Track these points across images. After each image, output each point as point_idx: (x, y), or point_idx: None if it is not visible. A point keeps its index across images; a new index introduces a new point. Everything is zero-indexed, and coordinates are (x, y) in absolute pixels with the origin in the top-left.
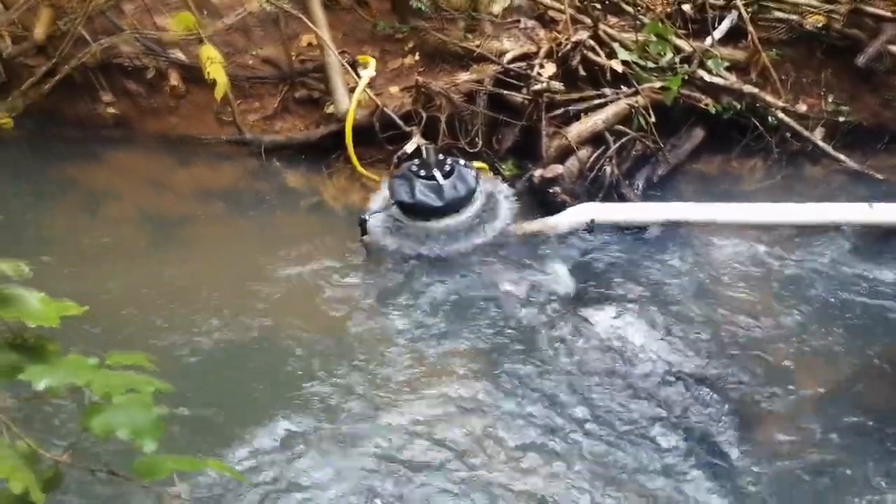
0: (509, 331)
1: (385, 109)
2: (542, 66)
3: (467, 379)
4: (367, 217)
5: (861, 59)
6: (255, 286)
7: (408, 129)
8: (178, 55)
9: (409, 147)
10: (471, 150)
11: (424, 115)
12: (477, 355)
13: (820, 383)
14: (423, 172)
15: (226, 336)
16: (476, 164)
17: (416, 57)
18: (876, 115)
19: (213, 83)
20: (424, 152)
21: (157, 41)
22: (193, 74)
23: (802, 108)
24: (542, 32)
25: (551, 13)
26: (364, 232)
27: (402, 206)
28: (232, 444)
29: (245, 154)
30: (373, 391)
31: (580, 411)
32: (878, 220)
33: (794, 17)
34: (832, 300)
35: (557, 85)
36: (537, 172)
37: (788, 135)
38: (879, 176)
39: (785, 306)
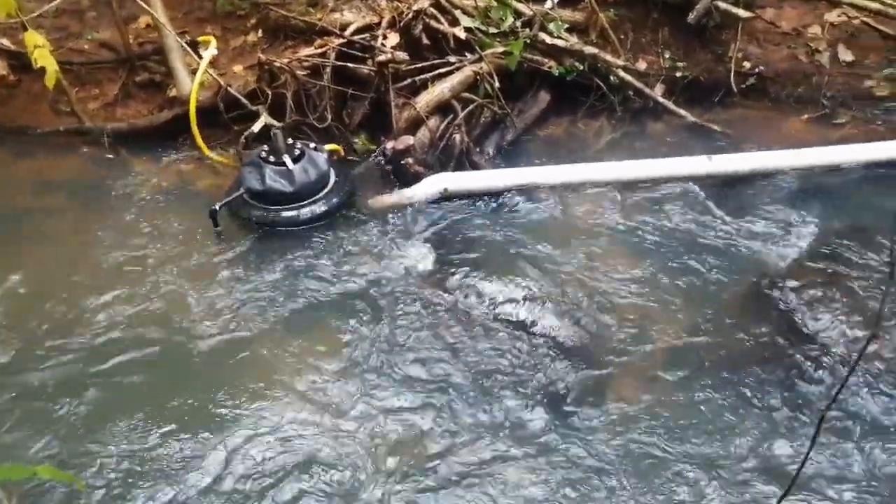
0: (366, 305)
1: (229, 89)
2: (385, 37)
3: (323, 358)
4: (217, 208)
5: (692, 17)
6: (101, 279)
7: (254, 107)
8: (5, 43)
9: (257, 126)
10: (320, 126)
11: (270, 92)
12: (332, 332)
13: (674, 335)
14: (272, 158)
15: (70, 335)
16: (329, 146)
17: (259, 34)
18: (710, 70)
19: (43, 71)
20: (273, 137)
21: None
22: (23, 63)
23: (642, 66)
24: (383, 2)
25: None
26: (216, 224)
27: (252, 193)
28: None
29: (87, 143)
30: (225, 377)
31: (437, 377)
32: (718, 170)
33: None
34: (682, 250)
35: (402, 55)
36: (389, 145)
37: (630, 93)
38: (716, 128)
39: (637, 260)
